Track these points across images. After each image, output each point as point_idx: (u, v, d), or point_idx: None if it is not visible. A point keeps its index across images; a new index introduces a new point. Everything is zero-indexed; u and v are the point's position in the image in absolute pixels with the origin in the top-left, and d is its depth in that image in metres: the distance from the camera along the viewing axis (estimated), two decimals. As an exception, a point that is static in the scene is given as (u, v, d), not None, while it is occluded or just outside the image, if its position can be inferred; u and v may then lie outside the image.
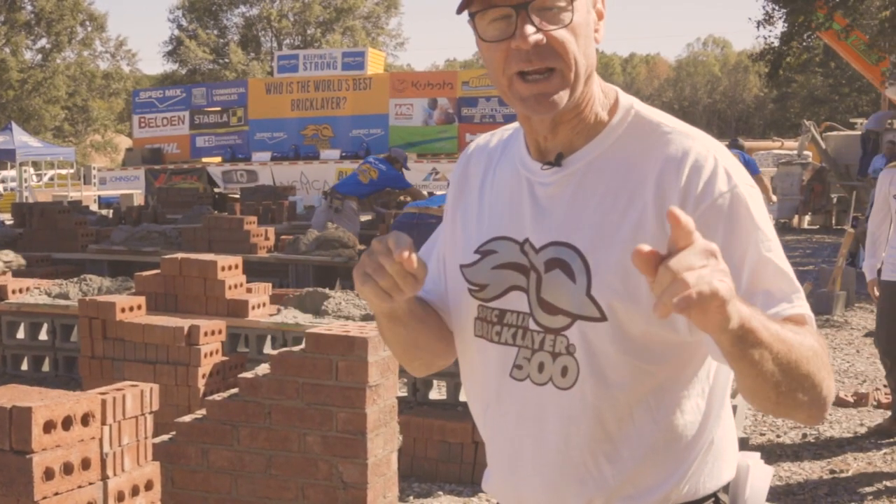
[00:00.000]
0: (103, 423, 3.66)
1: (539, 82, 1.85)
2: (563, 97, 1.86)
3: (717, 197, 1.81)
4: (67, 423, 3.40)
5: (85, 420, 3.48)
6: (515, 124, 2.09)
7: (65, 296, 9.05)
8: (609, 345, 1.88)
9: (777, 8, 22.51)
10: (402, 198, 15.08)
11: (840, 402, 8.12)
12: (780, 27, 23.12)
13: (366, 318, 7.82)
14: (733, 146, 14.30)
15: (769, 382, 1.68)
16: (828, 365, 1.76)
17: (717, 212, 1.81)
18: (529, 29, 1.80)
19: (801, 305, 1.83)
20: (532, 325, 1.96)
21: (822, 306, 12.16)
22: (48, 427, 3.32)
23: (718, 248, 1.52)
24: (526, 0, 1.81)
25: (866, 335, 10.80)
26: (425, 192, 15.45)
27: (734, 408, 1.67)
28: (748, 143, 33.34)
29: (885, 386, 8.16)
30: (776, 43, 23.27)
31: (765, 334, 1.62)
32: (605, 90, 1.98)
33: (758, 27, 23.17)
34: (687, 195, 1.82)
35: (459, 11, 1.88)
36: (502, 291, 2.00)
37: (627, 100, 1.99)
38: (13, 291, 9.18)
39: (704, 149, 1.87)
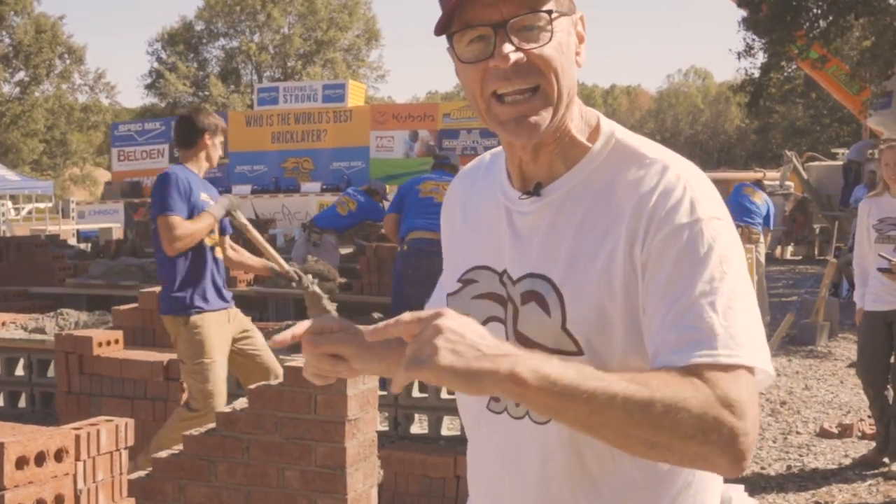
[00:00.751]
0: (77, 458, 3.59)
1: (519, 104, 1.81)
2: (544, 118, 1.82)
3: (675, 226, 1.75)
4: (40, 459, 3.33)
5: (58, 456, 3.41)
6: (500, 148, 2.05)
7: (41, 330, 8.95)
8: None
9: (756, 38, 22.64)
10: (383, 231, 15.00)
11: (824, 434, 8.09)
12: (760, 58, 23.25)
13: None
14: (757, 187, 14.32)
15: (586, 430, 1.61)
16: (701, 419, 1.59)
17: (672, 241, 1.74)
18: (508, 47, 1.77)
19: (702, 354, 1.65)
20: None
21: (805, 337, 12.16)
22: (21, 463, 3.25)
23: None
24: (504, 19, 1.77)
25: (850, 366, 10.77)
26: None
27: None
28: (730, 174, 33.43)
29: (869, 417, 8.12)
30: (757, 74, 23.39)
31: (538, 385, 1.53)
32: (586, 115, 1.94)
33: (738, 58, 23.28)
34: (651, 221, 1.77)
35: (437, 33, 1.84)
36: (481, 322, 1.95)
37: (609, 126, 1.94)
38: (-11, 326, 9.08)
39: (676, 176, 1.81)
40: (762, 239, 13.62)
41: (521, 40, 1.78)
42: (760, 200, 13.57)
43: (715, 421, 1.60)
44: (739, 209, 13.18)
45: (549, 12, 1.79)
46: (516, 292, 1.90)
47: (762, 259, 13.42)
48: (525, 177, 1.95)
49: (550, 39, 1.79)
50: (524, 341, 1.88)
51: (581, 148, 1.91)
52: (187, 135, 6.38)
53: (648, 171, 1.83)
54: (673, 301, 1.71)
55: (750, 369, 1.68)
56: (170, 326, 6.27)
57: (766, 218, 13.60)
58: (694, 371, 1.64)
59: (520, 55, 1.77)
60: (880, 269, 6.96)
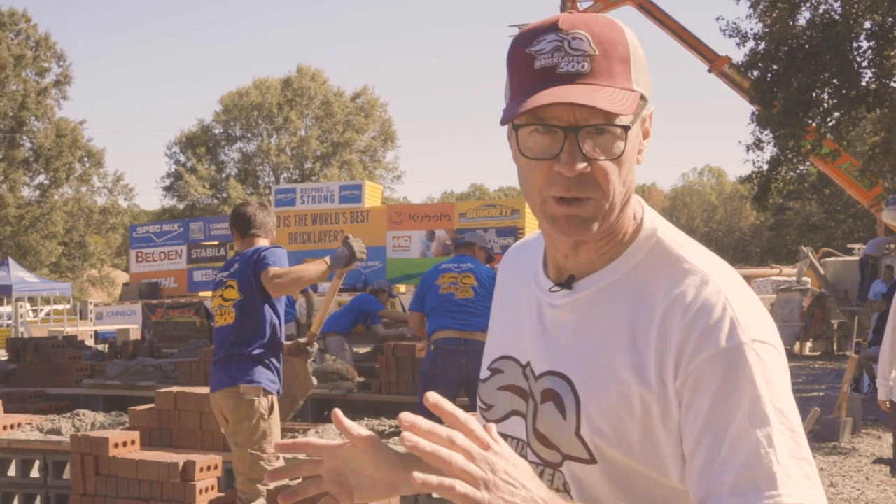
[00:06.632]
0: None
1: (572, 204, 1.70)
2: (595, 225, 1.72)
3: (715, 351, 1.62)
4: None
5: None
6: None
7: (57, 431, 8.89)
8: (602, 489, 1.74)
9: (764, 131, 22.67)
10: (410, 326, 14.96)
11: (852, 532, 7.94)
12: (769, 151, 23.27)
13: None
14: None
15: None
16: None
17: (711, 367, 1.62)
18: (578, 157, 1.67)
19: (765, 497, 1.55)
20: (531, 456, 1.83)
21: (828, 433, 12.01)
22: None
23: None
24: (577, 124, 1.67)
25: (875, 462, 10.62)
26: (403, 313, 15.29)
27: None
28: (746, 271, 33.33)
29: (897, 514, 7.99)
30: (765, 167, 23.40)
31: None
32: (635, 208, 1.85)
33: (747, 151, 23.29)
34: (685, 344, 1.65)
35: (504, 123, 1.74)
36: (505, 415, 1.89)
37: (652, 222, 1.84)
38: (4, 427, 9.02)
39: (716, 293, 1.68)
40: None
41: (591, 145, 1.68)
42: None
43: None
44: None
45: (626, 128, 1.69)
46: (537, 388, 1.82)
47: None
48: (561, 268, 1.86)
49: (621, 153, 1.70)
50: (542, 440, 1.80)
51: (622, 243, 1.82)
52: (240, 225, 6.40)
53: (683, 280, 1.73)
54: (719, 434, 1.59)
55: None
56: (237, 403, 5.99)
57: None
58: None
59: (585, 165, 1.67)
60: None
